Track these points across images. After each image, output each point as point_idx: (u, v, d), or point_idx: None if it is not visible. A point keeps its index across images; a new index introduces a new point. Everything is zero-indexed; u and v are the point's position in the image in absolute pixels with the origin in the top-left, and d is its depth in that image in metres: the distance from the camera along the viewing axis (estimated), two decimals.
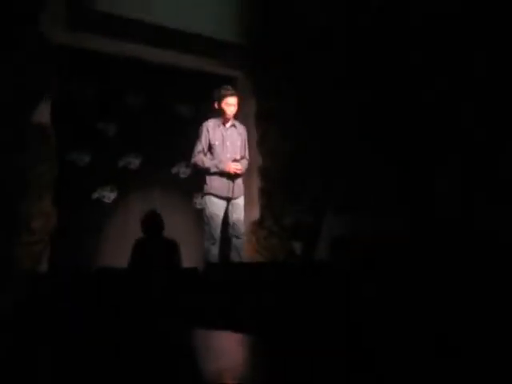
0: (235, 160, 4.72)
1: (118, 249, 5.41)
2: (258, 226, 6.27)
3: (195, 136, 4.87)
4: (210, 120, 4.83)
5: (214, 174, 4.70)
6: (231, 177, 4.69)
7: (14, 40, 4.93)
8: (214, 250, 4.68)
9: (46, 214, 5.08)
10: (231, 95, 4.78)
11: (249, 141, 5.08)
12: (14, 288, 3.98)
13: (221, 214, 4.71)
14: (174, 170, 6.16)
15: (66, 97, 5.50)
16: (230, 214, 4.73)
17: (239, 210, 4.78)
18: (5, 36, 4.87)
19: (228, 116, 4.78)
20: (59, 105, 5.36)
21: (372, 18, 5.67)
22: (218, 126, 4.79)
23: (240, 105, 4.91)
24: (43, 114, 5.22)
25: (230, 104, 4.76)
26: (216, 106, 4.80)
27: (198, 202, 6.05)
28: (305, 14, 6.11)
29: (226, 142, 4.76)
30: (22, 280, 4.15)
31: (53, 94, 5.29)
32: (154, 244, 4.82)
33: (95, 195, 5.67)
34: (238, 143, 4.84)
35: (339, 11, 5.94)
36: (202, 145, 4.75)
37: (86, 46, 5.63)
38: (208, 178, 4.72)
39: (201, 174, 4.86)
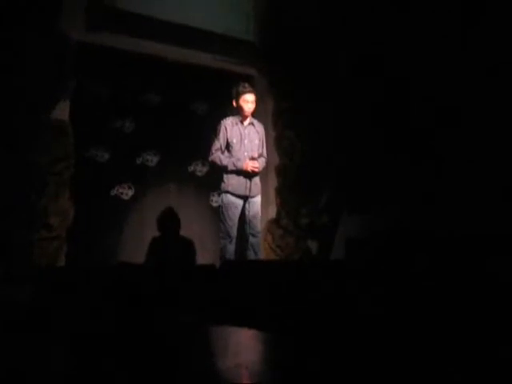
0: (253, 158, 4.72)
1: (134, 246, 5.45)
2: (274, 224, 6.27)
3: (212, 133, 4.88)
4: (227, 118, 4.84)
5: (232, 172, 4.71)
6: (249, 175, 4.69)
7: (32, 37, 4.97)
8: (231, 248, 4.69)
9: (64, 210, 5.11)
10: (249, 92, 4.78)
11: (266, 139, 5.08)
12: (31, 284, 4.01)
13: (237, 211, 4.71)
14: (191, 168, 6.17)
15: (84, 94, 5.53)
16: (246, 212, 4.72)
17: (256, 208, 4.77)
18: (23, 34, 4.91)
19: (246, 113, 4.78)
20: (77, 102, 5.40)
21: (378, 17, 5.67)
22: (236, 124, 4.79)
23: (257, 103, 4.92)
24: (61, 111, 5.26)
25: (248, 101, 4.77)
26: (234, 103, 4.81)
27: (214, 199, 6.07)
28: (321, 12, 6.10)
29: (243, 139, 4.77)
30: (38, 276, 4.17)
31: (71, 91, 5.33)
32: (171, 242, 4.84)
33: (113, 192, 5.70)
34: (256, 141, 4.84)
35: (354, 10, 5.93)
36: (219, 142, 4.76)
37: (104, 44, 5.66)
38: (225, 176, 4.73)
39: (218, 171, 4.87)
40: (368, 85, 5.73)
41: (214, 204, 6.00)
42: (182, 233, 4.99)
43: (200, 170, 6.20)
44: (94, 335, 2.52)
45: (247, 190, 4.67)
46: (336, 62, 6.05)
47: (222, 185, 4.75)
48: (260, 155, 4.86)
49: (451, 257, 3.65)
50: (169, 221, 4.91)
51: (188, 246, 4.91)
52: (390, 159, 5.53)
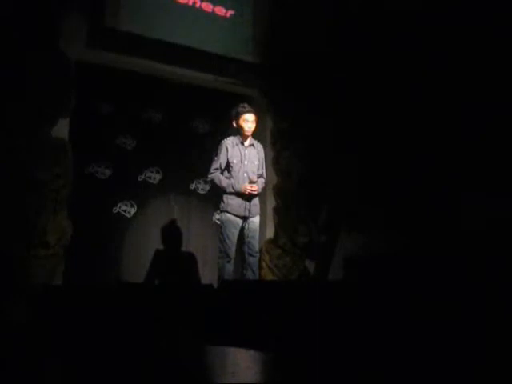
0: (252, 182, 4.71)
1: (134, 264, 5.44)
2: (271, 244, 6.27)
3: (213, 152, 4.90)
4: (228, 138, 4.85)
5: (231, 193, 4.72)
6: (247, 197, 4.70)
7: (33, 56, 5.01)
8: (229, 268, 4.68)
9: (62, 228, 5.11)
10: (248, 112, 4.81)
11: (265, 159, 5.10)
12: (28, 301, 4.00)
13: (236, 231, 4.71)
14: (193, 186, 6.21)
15: (85, 112, 5.56)
16: (245, 232, 4.72)
17: (255, 229, 4.77)
18: (24, 52, 4.95)
19: (246, 132, 4.80)
20: (78, 120, 5.43)
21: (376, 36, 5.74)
22: (237, 145, 4.81)
23: (257, 123, 4.94)
24: (61, 129, 5.28)
25: (248, 120, 4.79)
26: (234, 124, 4.83)
27: (217, 217, 6.08)
28: (319, 34, 6.16)
29: (244, 160, 4.78)
30: (35, 294, 4.16)
31: (71, 109, 5.36)
32: (173, 258, 4.88)
33: (115, 210, 5.72)
34: (256, 162, 4.85)
35: (351, 32, 6.00)
36: (219, 162, 4.77)
37: (106, 63, 5.71)
38: (225, 197, 4.73)
39: (217, 190, 4.89)
40: (366, 102, 5.77)
41: (218, 222, 6.02)
42: (185, 249, 5.03)
43: (202, 187, 6.24)
44: (92, 353, 2.51)
45: (246, 211, 4.68)
46: (335, 81, 6.10)
47: (222, 204, 4.75)
48: (259, 176, 4.88)
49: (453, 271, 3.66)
50: (172, 236, 4.96)
51: (190, 263, 4.94)
52: (387, 174, 5.55)
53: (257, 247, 4.84)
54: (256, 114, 4.91)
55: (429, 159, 5.26)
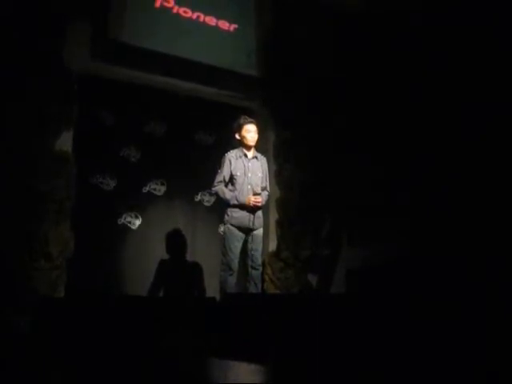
0: (256, 194, 4.71)
1: (139, 275, 5.44)
2: (274, 257, 6.25)
3: (216, 164, 4.92)
4: (232, 151, 4.87)
5: (235, 206, 4.72)
6: (252, 209, 4.70)
7: (37, 68, 5.04)
8: (231, 281, 4.67)
9: (64, 239, 5.11)
10: (250, 122, 4.84)
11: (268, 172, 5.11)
12: (30, 313, 3.98)
13: (239, 244, 4.71)
14: (198, 198, 6.23)
15: (89, 124, 5.59)
16: (248, 245, 4.72)
17: (258, 242, 4.77)
18: (27, 64, 4.98)
19: (250, 143, 4.82)
20: (83, 132, 5.45)
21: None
22: (240, 157, 4.83)
23: (259, 135, 4.95)
24: (64, 141, 5.29)
25: (250, 130, 4.82)
26: (237, 136, 4.85)
27: (222, 229, 6.09)
28: (321, 45, 6.19)
29: (247, 173, 4.79)
30: (37, 305, 4.14)
31: (74, 121, 5.38)
32: (179, 267, 4.89)
33: (121, 221, 5.73)
34: (260, 175, 4.86)
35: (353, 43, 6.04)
36: (222, 175, 4.78)
37: (109, 75, 5.75)
38: (229, 210, 4.74)
39: (222, 203, 4.89)
40: (367, 110, 5.78)
41: (223, 234, 6.03)
42: (190, 261, 5.04)
43: (207, 199, 6.26)
44: (93, 366, 2.50)
45: (250, 223, 4.68)
46: (336, 93, 6.12)
47: (226, 217, 4.76)
48: (263, 188, 4.88)
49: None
50: (177, 248, 4.97)
51: (196, 274, 4.96)
52: (392, 190, 5.55)
53: (260, 260, 4.83)
54: (257, 124, 4.94)
55: (430, 167, 5.27)
